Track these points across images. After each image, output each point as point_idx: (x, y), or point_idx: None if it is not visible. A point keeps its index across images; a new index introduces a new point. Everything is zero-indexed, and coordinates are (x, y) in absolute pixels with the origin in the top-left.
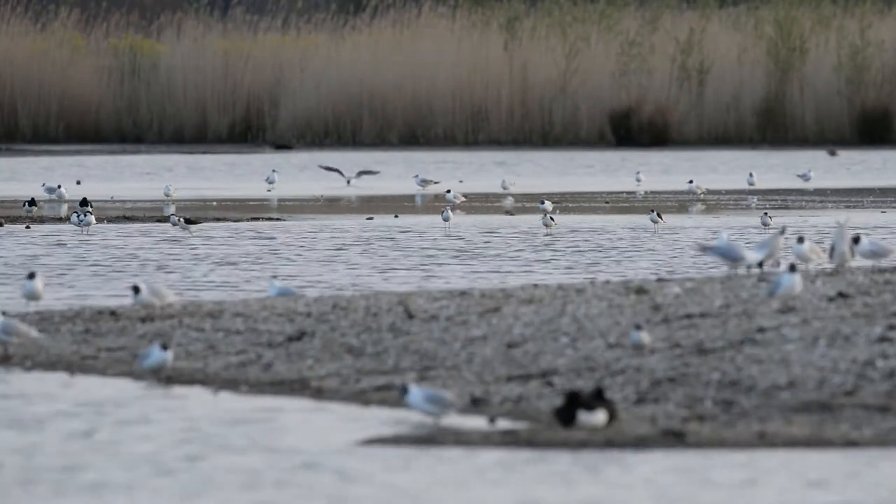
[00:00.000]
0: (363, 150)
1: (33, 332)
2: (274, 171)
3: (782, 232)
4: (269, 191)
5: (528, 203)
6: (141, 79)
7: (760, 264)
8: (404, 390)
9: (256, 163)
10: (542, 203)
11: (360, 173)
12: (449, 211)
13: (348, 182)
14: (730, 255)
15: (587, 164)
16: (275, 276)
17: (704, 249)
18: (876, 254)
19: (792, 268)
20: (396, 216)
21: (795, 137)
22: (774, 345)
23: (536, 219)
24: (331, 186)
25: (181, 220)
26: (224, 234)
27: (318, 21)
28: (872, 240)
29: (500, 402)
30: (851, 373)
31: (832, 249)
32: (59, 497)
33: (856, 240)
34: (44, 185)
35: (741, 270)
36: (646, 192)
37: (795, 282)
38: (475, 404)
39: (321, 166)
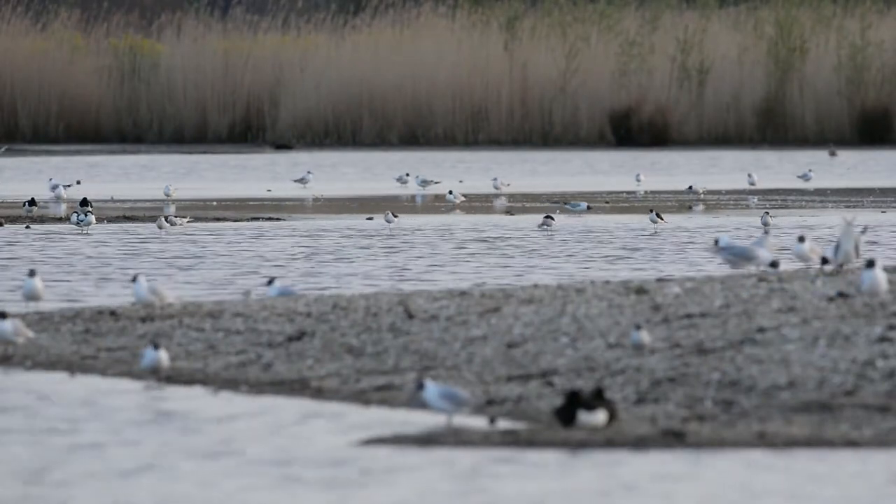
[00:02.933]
0: (363, 150)
1: (30, 333)
2: (310, 171)
3: (766, 231)
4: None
5: (528, 203)
6: (141, 79)
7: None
8: (420, 385)
9: (256, 163)
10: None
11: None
12: (391, 214)
13: None
14: (744, 255)
15: (587, 164)
16: (271, 279)
17: (719, 249)
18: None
19: None
20: (396, 216)
21: (795, 137)
22: (774, 345)
23: (536, 219)
24: (351, 187)
25: (167, 219)
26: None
27: (318, 21)
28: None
29: (500, 402)
30: (851, 373)
31: (836, 248)
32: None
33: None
34: (50, 179)
35: (754, 269)
36: (645, 192)
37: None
38: (490, 404)
39: None
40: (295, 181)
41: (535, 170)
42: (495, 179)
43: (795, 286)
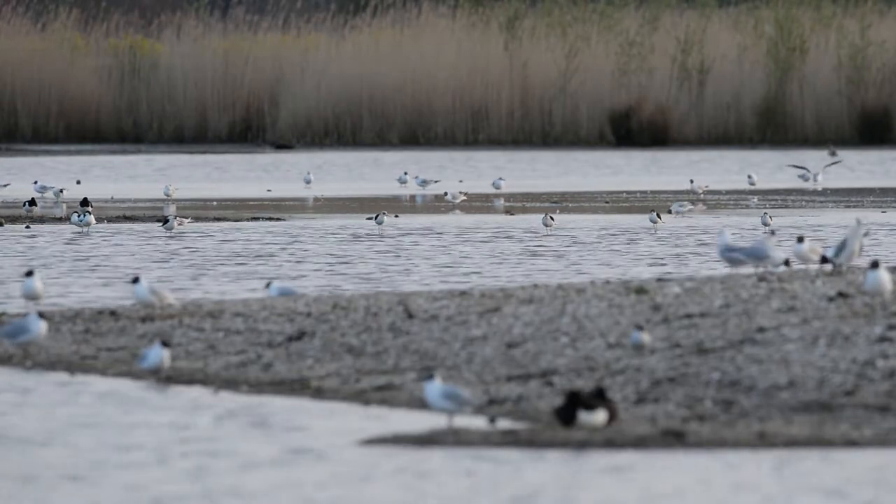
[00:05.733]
0: (363, 150)
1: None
2: (309, 172)
3: (773, 234)
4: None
5: (528, 203)
6: (141, 79)
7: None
8: (430, 375)
9: (256, 163)
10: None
11: None
12: (384, 215)
13: None
14: (757, 255)
15: (587, 164)
16: (268, 284)
17: (731, 249)
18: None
19: None
20: (397, 216)
21: (795, 137)
22: (774, 345)
23: (536, 218)
24: (351, 188)
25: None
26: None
27: (318, 21)
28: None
29: (500, 402)
30: (851, 373)
31: (841, 247)
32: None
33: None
34: (36, 182)
35: (769, 269)
36: (641, 192)
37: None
38: (491, 404)
39: None
40: (304, 181)
41: (535, 170)
42: (501, 179)
43: (795, 286)
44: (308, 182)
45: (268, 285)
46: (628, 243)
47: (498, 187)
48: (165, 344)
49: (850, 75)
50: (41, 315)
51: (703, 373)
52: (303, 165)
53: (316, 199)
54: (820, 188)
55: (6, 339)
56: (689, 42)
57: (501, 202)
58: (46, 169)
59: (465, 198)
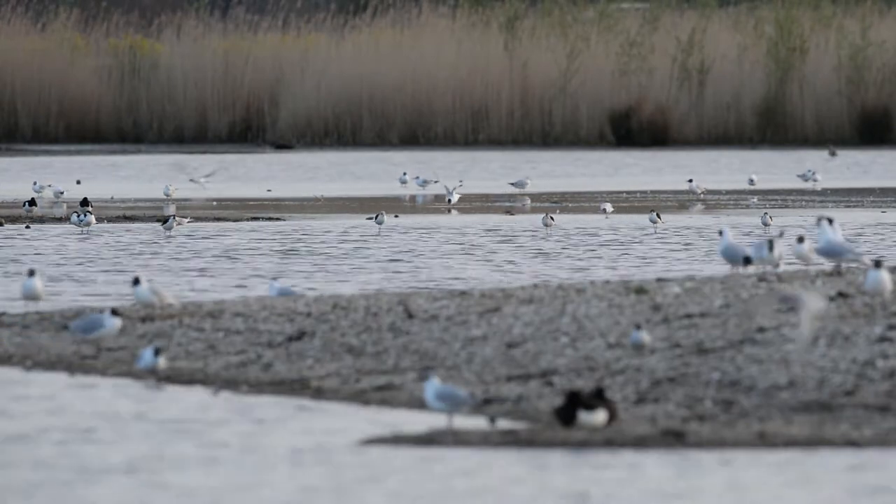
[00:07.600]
0: (363, 150)
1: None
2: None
3: (781, 235)
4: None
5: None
6: (141, 79)
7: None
8: (427, 372)
9: (256, 163)
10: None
11: None
12: (384, 215)
13: None
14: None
15: (587, 164)
16: (274, 278)
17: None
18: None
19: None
20: (397, 216)
21: (795, 137)
22: (774, 345)
23: (536, 218)
24: (337, 188)
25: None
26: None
27: (318, 21)
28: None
29: (500, 402)
30: (851, 373)
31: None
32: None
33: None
34: (35, 183)
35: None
36: (641, 192)
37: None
38: (490, 404)
39: None
40: (191, 180)
41: (535, 170)
42: (528, 179)
43: (795, 286)
44: (200, 181)
45: (275, 278)
46: (628, 243)
47: (523, 186)
48: (158, 352)
49: (850, 75)
50: (114, 312)
51: (703, 373)
52: (303, 165)
53: (316, 199)
54: (820, 188)
55: (79, 333)
56: (689, 42)
57: (528, 202)
58: (48, 169)
59: (459, 196)
